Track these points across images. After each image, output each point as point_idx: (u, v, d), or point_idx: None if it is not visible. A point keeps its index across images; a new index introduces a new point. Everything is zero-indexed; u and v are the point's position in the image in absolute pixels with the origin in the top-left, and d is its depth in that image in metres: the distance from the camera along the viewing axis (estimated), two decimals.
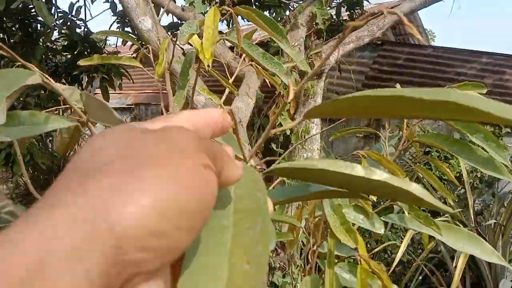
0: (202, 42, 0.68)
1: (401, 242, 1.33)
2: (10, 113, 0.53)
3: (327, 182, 0.37)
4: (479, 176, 3.37)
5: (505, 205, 3.00)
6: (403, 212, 0.80)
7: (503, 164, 0.69)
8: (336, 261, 0.80)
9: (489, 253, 0.73)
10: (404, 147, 0.87)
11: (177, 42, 0.80)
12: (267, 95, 3.52)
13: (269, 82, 1.10)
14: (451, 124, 0.75)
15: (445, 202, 3.27)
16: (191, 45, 0.75)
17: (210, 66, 0.68)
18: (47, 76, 0.77)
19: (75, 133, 1.13)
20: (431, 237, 2.84)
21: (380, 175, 0.30)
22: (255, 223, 0.24)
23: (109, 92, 4.00)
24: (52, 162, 4.90)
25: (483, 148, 0.71)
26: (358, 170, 0.30)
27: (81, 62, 0.89)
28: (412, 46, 4.97)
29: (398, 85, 0.97)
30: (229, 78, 1.03)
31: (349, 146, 3.94)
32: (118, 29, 4.07)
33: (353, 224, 0.79)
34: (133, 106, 6.01)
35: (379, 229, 0.77)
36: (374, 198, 0.74)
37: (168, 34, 3.11)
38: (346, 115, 0.33)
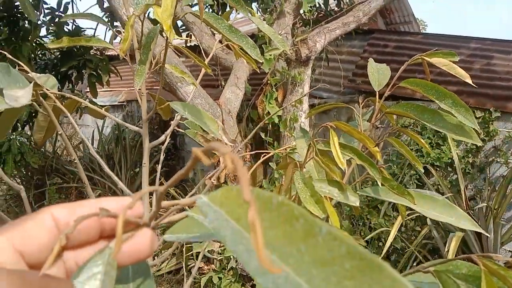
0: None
1: None
2: None
3: None
4: (470, 161, 3.37)
5: (497, 189, 3.00)
6: (377, 184, 0.79)
7: (472, 128, 0.69)
8: None
9: (464, 219, 0.73)
10: (377, 120, 0.87)
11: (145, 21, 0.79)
12: (255, 87, 3.51)
13: (246, 61, 1.08)
14: (420, 91, 0.74)
15: (438, 190, 3.28)
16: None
17: (172, 39, 0.67)
18: (19, 62, 0.75)
19: (51, 122, 1.12)
20: (424, 224, 2.83)
21: None
22: None
23: (102, 90, 3.99)
24: (45, 161, 4.88)
25: (452, 114, 0.70)
26: None
27: (50, 45, 0.88)
28: (401, 33, 4.96)
29: (371, 60, 0.96)
30: (219, 70, 1.02)
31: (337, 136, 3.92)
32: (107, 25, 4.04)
33: (331, 200, 0.78)
34: (125, 103, 5.99)
35: (355, 202, 0.76)
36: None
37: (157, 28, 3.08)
38: None
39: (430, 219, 2.92)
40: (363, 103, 0.92)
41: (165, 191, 0.27)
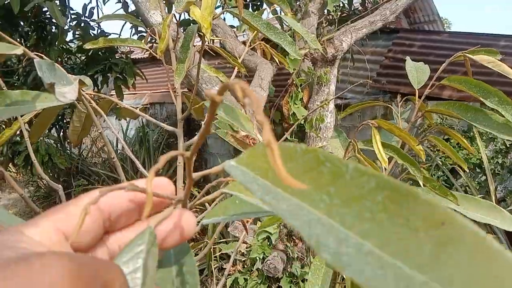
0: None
1: None
2: None
3: None
4: (500, 162, 3.28)
5: None
6: (418, 185, 0.77)
7: None
8: None
9: (510, 222, 0.70)
10: (417, 119, 0.84)
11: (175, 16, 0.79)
12: (278, 88, 3.49)
13: (278, 61, 1.08)
14: (464, 89, 0.71)
15: (466, 191, 3.20)
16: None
17: (209, 38, 0.66)
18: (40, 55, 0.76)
19: (86, 122, 1.13)
20: None
21: None
22: None
23: (125, 93, 4.04)
24: (71, 163, 4.97)
25: (498, 113, 0.68)
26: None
27: (87, 45, 0.89)
28: (426, 32, 4.88)
29: (408, 59, 0.94)
30: (242, 73, 1.02)
31: (364, 137, 3.87)
32: (131, 29, 4.09)
33: None
34: (148, 105, 6.06)
35: None
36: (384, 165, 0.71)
37: (181, 31, 3.11)
38: None
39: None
40: (401, 102, 0.90)
41: (192, 156, 0.27)
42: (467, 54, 0.77)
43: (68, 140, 5.07)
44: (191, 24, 3.57)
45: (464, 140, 0.79)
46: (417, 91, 0.84)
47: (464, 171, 3.14)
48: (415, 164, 0.72)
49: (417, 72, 0.88)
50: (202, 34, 0.77)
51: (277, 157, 0.17)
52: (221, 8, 2.97)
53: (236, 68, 1.00)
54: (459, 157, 0.75)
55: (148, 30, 0.98)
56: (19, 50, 0.50)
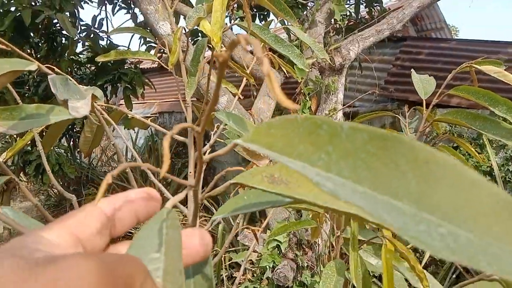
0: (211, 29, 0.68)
1: None
2: (15, 107, 0.54)
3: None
4: (511, 169, 3.26)
5: None
6: None
7: None
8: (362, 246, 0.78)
9: None
10: (425, 128, 0.85)
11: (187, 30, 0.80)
12: (287, 96, 3.50)
13: (287, 71, 1.09)
14: (472, 99, 0.72)
15: None
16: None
17: (219, 50, 0.68)
18: (55, 68, 0.78)
19: (98, 132, 1.15)
20: None
21: (303, 195, 0.26)
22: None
23: (134, 102, 4.08)
24: (81, 172, 5.01)
25: (507, 121, 0.68)
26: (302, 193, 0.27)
27: (99, 58, 0.91)
28: (434, 40, 4.87)
29: (413, 71, 0.95)
30: (250, 82, 1.03)
31: None
32: (140, 39, 4.14)
33: None
34: (157, 114, 6.10)
35: None
36: None
37: (190, 40, 3.15)
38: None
39: None
40: (409, 112, 0.90)
41: (203, 130, 0.28)
42: (474, 65, 0.78)
43: (78, 150, 5.12)
44: (199, 34, 3.58)
45: (473, 148, 0.80)
46: (424, 101, 0.85)
47: None
48: None
49: (423, 84, 0.89)
50: (211, 46, 0.78)
51: (275, 84, 0.19)
52: (229, 19, 3.00)
53: (245, 78, 1.01)
54: (469, 165, 0.75)
55: (158, 43, 1.00)
56: (34, 66, 0.51)
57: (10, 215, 0.67)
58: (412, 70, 0.91)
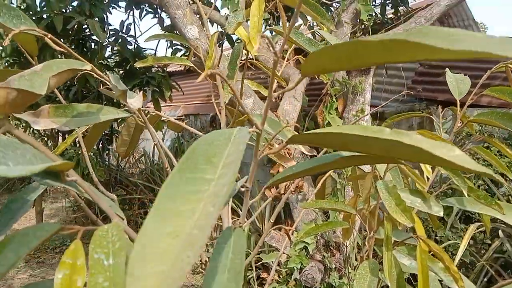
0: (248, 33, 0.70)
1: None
2: (67, 105, 0.57)
3: (355, 148, 0.37)
4: None
5: None
6: (462, 194, 0.77)
7: None
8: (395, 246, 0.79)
9: None
10: (459, 129, 0.85)
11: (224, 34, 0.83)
12: (312, 98, 3.50)
13: (317, 76, 1.10)
14: (507, 99, 0.72)
15: (508, 200, 3.10)
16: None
17: (254, 55, 0.70)
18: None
19: (135, 133, 1.19)
20: (494, 237, 2.67)
21: (411, 138, 0.28)
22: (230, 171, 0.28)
23: (161, 104, 4.15)
24: (109, 174, 5.13)
25: None
26: (386, 133, 0.29)
27: (138, 64, 0.94)
28: None
29: (448, 70, 0.95)
30: (282, 84, 1.05)
31: None
32: (167, 42, 4.22)
33: (412, 209, 0.78)
34: (183, 117, 6.19)
35: (438, 212, 0.75)
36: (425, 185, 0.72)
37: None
38: (346, 64, 0.33)
39: (502, 231, 2.77)
40: (442, 112, 0.90)
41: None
42: (510, 65, 0.77)
43: (107, 152, 5.24)
44: (224, 37, 3.61)
45: (507, 148, 0.79)
46: (458, 101, 0.85)
47: (506, 179, 3.05)
48: (459, 175, 0.73)
49: (457, 83, 0.88)
50: (246, 51, 0.81)
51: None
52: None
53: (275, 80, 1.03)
54: (503, 165, 0.75)
55: (192, 47, 1.03)
56: (88, 66, 0.54)
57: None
58: (446, 69, 0.91)
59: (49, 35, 0.57)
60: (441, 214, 0.76)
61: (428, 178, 0.75)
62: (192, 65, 0.95)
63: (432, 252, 0.69)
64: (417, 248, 0.65)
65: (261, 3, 0.69)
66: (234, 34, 0.69)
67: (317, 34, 2.79)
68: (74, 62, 0.53)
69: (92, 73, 0.58)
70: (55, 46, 0.58)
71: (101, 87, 0.79)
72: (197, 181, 0.28)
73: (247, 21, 0.79)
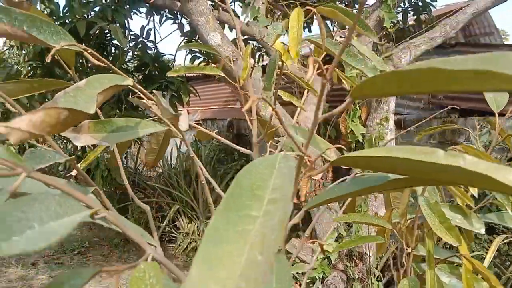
0: (284, 45, 0.69)
1: (487, 253, 1.25)
2: (107, 120, 0.57)
3: (405, 172, 0.35)
4: None
5: None
6: (500, 210, 0.75)
7: None
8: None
9: None
10: (498, 142, 0.82)
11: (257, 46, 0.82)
12: (331, 104, 3.48)
13: (337, 79, 1.09)
14: None
15: None
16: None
17: (289, 66, 0.69)
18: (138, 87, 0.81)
19: (164, 142, 1.18)
20: None
21: (467, 161, 0.26)
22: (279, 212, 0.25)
23: (178, 109, 4.17)
24: (128, 177, 5.17)
25: None
26: (440, 156, 0.27)
27: (170, 73, 0.94)
28: (484, 46, 4.71)
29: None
30: (297, 90, 1.04)
31: None
32: (186, 49, 4.24)
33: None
34: (200, 121, 6.21)
35: (479, 229, 0.72)
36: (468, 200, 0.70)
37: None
38: (407, 89, 0.31)
39: None
40: (479, 125, 0.88)
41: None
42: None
43: (125, 155, 5.27)
44: (247, 43, 3.62)
45: None
46: (496, 114, 0.82)
47: None
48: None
49: (494, 95, 0.86)
50: (281, 62, 0.80)
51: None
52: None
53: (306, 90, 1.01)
54: None
55: (222, 57, 1.02)
56: (130, 81, 0.54)
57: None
58: None
59: (90, 50, 0.56)
60: (483, 231, 0.74)
61: (473, 196, 0.72)
62: (224, 75, 0.94)
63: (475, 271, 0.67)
64: (463, 268, 0.63)
65: (300, 15, 0.68)
66: (273, 46, 0.68)
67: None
68: (115, 78, 0.53)
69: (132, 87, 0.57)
70: (94, 61, 0.58)
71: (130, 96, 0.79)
72: (243, 219, 0.25)
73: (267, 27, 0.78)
